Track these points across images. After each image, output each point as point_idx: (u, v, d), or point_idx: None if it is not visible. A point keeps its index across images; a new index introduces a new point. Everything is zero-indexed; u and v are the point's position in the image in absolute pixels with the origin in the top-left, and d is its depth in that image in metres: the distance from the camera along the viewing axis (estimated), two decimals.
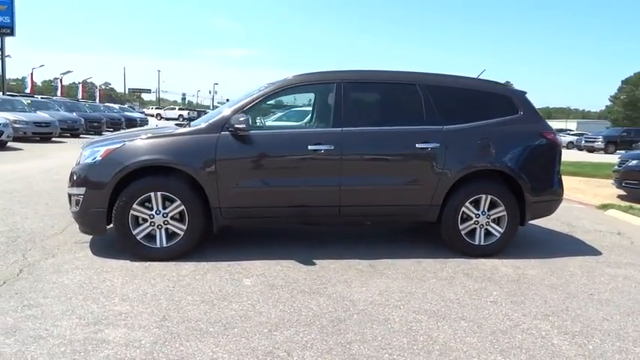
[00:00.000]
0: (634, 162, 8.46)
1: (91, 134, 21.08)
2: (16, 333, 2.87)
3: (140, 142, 4.33)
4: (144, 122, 31.68)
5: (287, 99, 5.53)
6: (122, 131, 5.68)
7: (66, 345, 2.75)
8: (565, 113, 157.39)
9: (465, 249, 4.69)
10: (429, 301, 3.60)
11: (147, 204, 4.25)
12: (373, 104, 4.72)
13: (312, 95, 4.92)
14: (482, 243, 4.72)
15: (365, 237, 5.38)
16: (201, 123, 4.66)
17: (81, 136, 19.81)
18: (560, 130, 49.77)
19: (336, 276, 4.04)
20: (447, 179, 4.56)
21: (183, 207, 4.24)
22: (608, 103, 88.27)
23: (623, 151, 19.04)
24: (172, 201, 4.25)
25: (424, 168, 4.56)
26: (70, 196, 4.45)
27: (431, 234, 5.38)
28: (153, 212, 4.25)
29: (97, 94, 52.98)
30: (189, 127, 4.78)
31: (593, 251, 5.15)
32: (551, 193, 4.87)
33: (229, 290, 3.65)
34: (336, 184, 4.44)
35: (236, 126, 4.18)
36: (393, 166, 4.58)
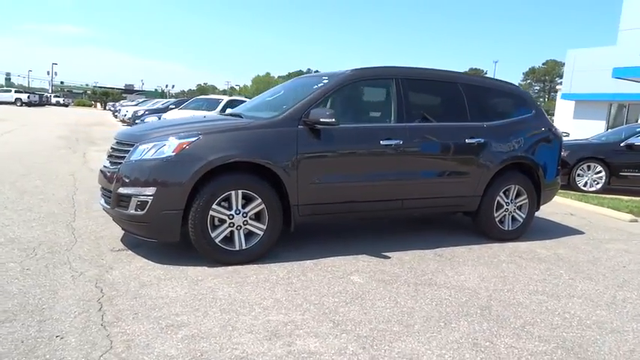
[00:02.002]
0: None
1: None
2: (207, 356, 2.52)
3: (218, 136, 3.95)
4: None
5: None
6: (160, 121, 5.07)
7: None
8: None
9: (498, 234, 5.18)
10: (526, 282, 3.96)
11: (223, 203, 3.90)
12: (426, 100, 4.91)
13: (368, 90, 4.91)
14: (510, 228, 5.25)
15: (397, 229, 5.56)
16: (261, 115, 4.39)
17: None
18: None
19: (424, 266, 4.19)
20: (488, 171, 4.98)
21: (263, 205, 3.99)
22: None
23: None
24: (250, 199, 3.97)
25: (471, 161, 4.91)
26: (123, 197, 3.87)
27: (449, 222, 5.80)
28: (232, 212, 3.92)
29: None
30: (237, 117, 4.47)
31: (575, 231, 6.04)
32: (555, 182, 5.61)
33: (354, 289, 3.58)
34: (401, 178, 4.56)
35: (323, 120, 4.04)
36: (448, 160, 4.85)
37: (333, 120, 4.03)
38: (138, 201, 3.78)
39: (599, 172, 9.41)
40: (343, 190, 4.36)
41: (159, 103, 24.79)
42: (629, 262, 4.75)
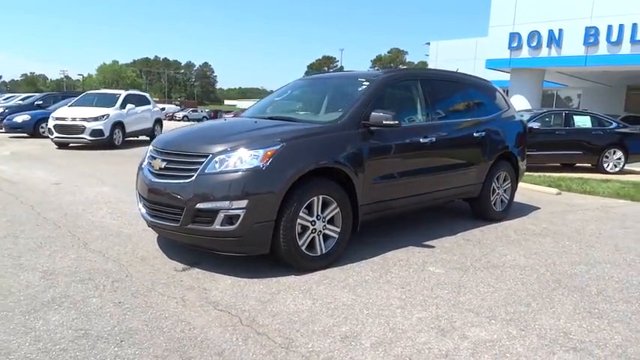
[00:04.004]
0: None
1: None
2: (415, 358, 2.66)
3: (300, 142, 3.91)
4: None
5: None
6: (208, 125, 4.77)
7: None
8: (256, 92, 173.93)
9: (493, 215, 5.87)
10: (557, 255, 4.63)
11: (304, 210, 3.90)
12: (443, 99, 5.30)
13: (399, 91, 5.11)
14: (500, 210, 5.99)
15: (411, 221, 5.89)
16: (313, 119, 4.44)
17: None
18: None
19: (468, 251, 4.64)
20: (489, 161, 5.61)
21: (338, 209, 4.07)
22: None
23: None
24: (327, 204, 4.03)
25: (478, 153, 5.48)
26: (204, 213, 3.65)
27: (438, 210, 6.38)
28: (314, 218, 3.94)
29: None
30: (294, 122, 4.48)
31: (533, 207, 7.01)
32: (524, 165, 6.47)
33: (447, 280, 3.88)
34: (434, 171, 4.96)
35: (386, 122, 4.21)
36: (464, 152, 5.35)
37: (397, 122, 4.23)
38: (226, 215, 3.60)
39: None
40: (395, 187, 4.60)
41: (16, 98, 21.66)
42: (599, 230, 5.75)
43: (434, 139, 4.86)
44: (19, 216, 5.47)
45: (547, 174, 10.30)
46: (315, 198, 3.90)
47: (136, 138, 15.57)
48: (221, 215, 3.60)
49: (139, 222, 5.27)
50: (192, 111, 59.55)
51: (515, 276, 4.01)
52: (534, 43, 15.71)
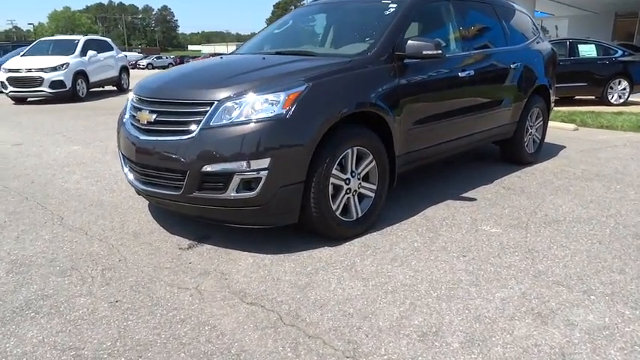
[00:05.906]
0: None
1: None
2: (532, 353, 2.01)
3: (328, 82, 3.07)
4: None
5: None
6: (201, 67, 3.65)
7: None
8: (220, 37, 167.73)
9: (527, 158, 5.20)
10: (616, 203, 4.02)
11: (336, 166, 3.13)
12: (477, 24, 4.47)
13: (430, 14, 4.20)
14: (532, 151, 5.32)
15: (441, 170, 5.23)
16: (337, 52, 3.57)
17: None
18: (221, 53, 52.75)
19: (517, 203, 4.00)
20: (524, 97, 4.87)
21: (374, 162, 3.32)
22: (265, 25, 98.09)
23: None
24: (361, 157, 3.27)
25: (514, 87, 4.73)
26: (213, 177, 2.85)
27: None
28: (348, 175, 3.19)
29: None
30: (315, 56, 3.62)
31: (559, 146, 6.33)
32: (554, 96, 5.73)
33: (509, 242, 3.24)
34: (474, 111, 4.22)
35: (427, 52, 3.39)
36: (501, 88, 4.59)
37: (440, 52, 3.41)
38: (243, 179, 2.81)
39: None
40: (432, 132, 3.86)
41: None
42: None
43: (472, 72, 4.08)
44: None
45: (555, 108, 9.67)
46: (349, 150, 3.13)
47: (101, 88, 14.26)
48: (236, 179, 2.80)
49: (123, 187, 4.46)
50: (157, 58, 56.49)
51: (585, 232, 3.39)
52: None
